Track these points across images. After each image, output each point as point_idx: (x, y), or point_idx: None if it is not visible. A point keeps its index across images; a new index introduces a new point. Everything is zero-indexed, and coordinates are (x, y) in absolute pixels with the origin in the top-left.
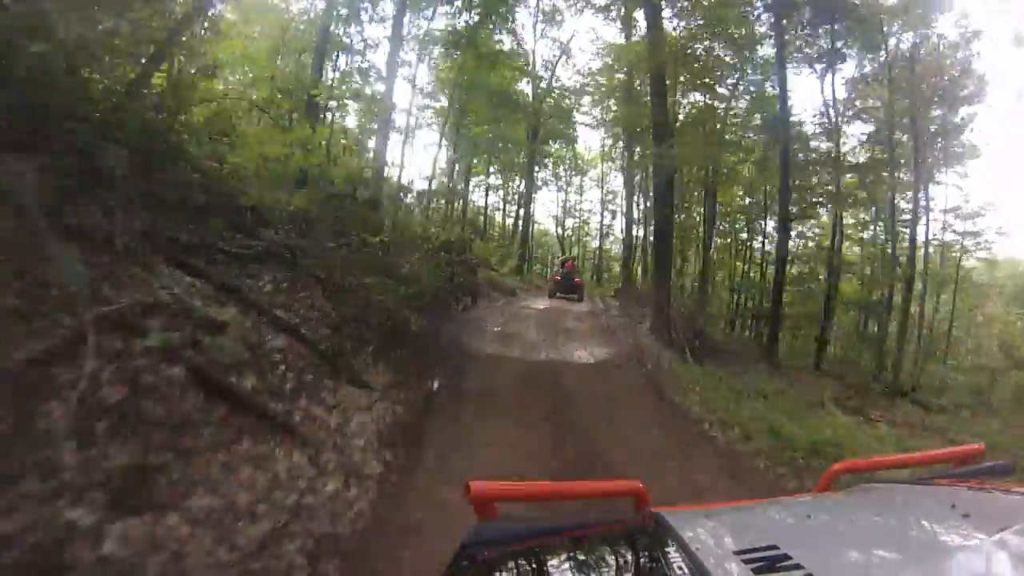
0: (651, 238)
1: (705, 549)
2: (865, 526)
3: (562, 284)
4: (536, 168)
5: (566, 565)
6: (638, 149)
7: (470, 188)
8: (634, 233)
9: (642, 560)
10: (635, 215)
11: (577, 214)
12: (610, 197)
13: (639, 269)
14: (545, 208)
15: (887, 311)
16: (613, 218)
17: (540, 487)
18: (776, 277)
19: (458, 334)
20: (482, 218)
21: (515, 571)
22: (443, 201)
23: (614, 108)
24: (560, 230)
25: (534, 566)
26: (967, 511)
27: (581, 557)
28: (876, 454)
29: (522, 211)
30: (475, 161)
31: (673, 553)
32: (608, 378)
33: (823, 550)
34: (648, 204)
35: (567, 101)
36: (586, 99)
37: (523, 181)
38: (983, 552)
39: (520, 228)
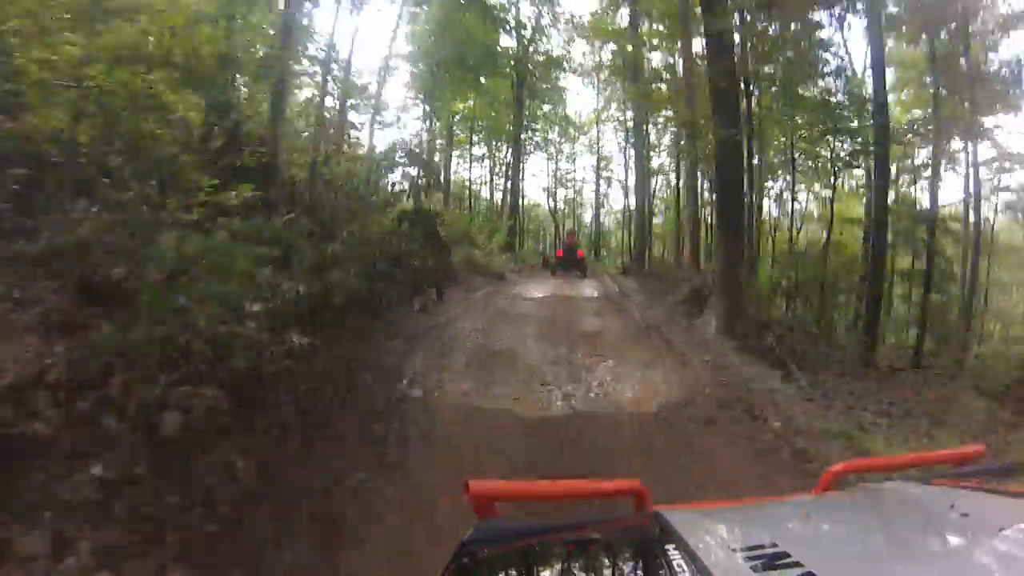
0: (657, 206)
1: (705, 548)
2: (865, 526)
3: (564, 258)
4: (523, 134)
5: (566, 564)
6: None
7: (452, 155)
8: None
9: (642, 559)
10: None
11: (570, 184)
12: (603, 163)
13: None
14: (536, 181)
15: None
16: (609, 186)
17: (540, 486)
18: (872, 265)
19: (400, 360)
20: (467, 192)
21: (515, 570)
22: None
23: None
24: (552, 202)
25: (534, 565)
26: (966, 511)
27: (581, 556)
28: None
29: (509, 183)
30: (456, 132)
31: (673, 552)
32: (718, 466)
33: (823, 549)
34: (660, 164)
35: (557, 49)
36: (576, 52)
37: (509, 148)
38: (982, 553)
39: (508, 197)
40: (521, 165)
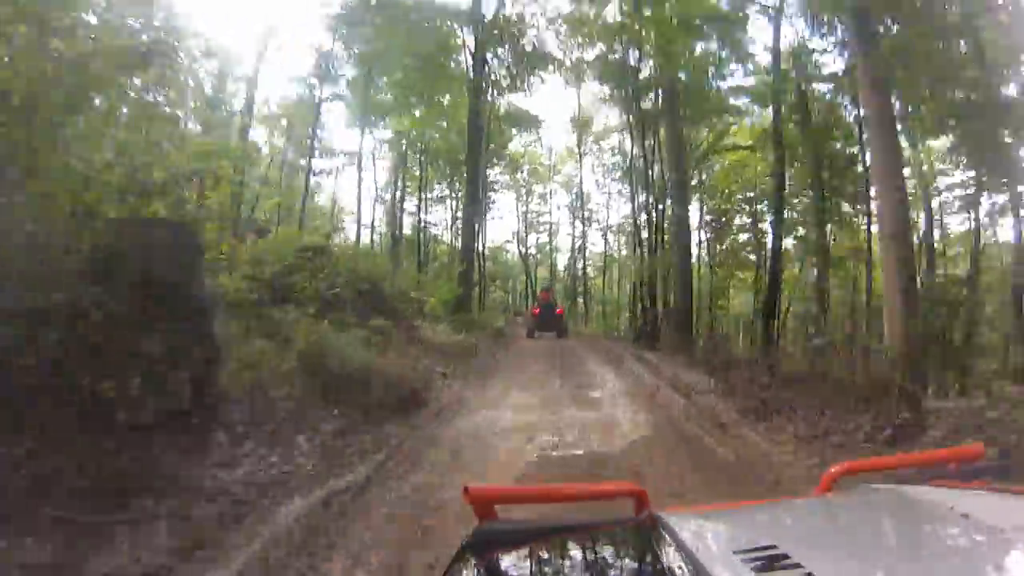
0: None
1: (704, 550)
2: (865, 526)
3: (541, 318)
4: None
5: (566, 567)
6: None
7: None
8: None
9: (641, 561)
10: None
11: (543, 228)
12: (580, 201)
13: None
14: (505, 226)
15: None
16: (587, 227)
17: (540, 490)
18: None
19: None
20: (419, 236)
21: (515, 573)
22: None
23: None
24: (523, 248)
25: (534, 568)
26: (967, 511)
27: (581, 559)
28: None
29: (460, 222)
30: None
31: (672, 554)
32: None
33: (823, 550)
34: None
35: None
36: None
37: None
38: (983, 553)
39: (462, 231)
40: (482, 181)
